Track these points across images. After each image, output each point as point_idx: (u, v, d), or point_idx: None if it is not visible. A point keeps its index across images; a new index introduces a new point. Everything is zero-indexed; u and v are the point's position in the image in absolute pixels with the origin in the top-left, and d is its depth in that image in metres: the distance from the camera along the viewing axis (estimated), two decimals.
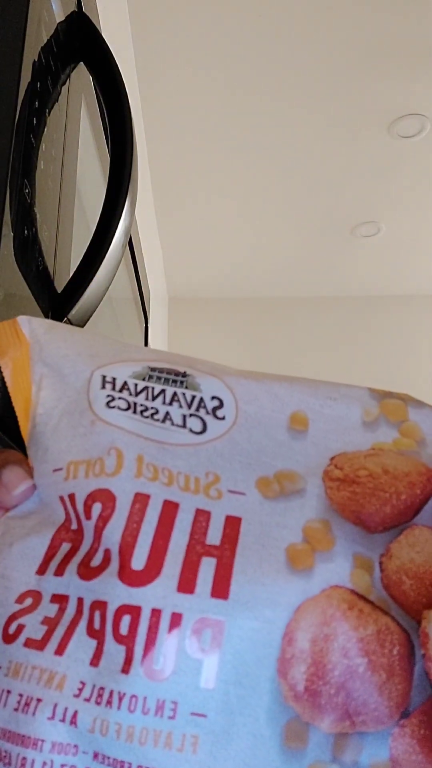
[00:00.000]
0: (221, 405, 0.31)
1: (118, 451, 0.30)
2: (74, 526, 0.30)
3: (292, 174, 2.64)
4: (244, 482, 0.29)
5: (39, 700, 0.27)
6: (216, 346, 3.58)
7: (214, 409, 0.31)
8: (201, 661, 0.26)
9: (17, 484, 0.31)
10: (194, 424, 0.31)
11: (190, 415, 0.31)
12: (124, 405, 0.31)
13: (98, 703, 0.26)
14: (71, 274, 0.46)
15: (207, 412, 0.31)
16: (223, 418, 0.31)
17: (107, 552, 0.28)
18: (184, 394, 0.31)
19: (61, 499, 0.31)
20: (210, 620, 0.26)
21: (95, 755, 0.26)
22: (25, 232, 0.37)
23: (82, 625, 0.28)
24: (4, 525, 0.31)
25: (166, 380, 0.32)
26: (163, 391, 0.32)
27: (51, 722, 0.26)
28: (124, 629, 0.26)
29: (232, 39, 1.99)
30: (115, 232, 0.46)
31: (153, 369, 0.32)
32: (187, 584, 0.27)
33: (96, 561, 0.29)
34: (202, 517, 0.28)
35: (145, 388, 0.32)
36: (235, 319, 3.64)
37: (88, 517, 0.29)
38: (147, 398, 0.31)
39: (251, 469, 0.30)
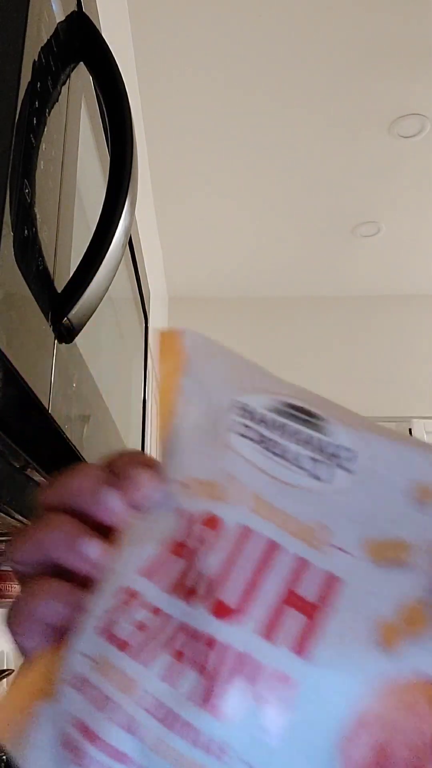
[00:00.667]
0: (350, 457, 0.31)
1: (239, 482, 0.30)
2: (184, 541, 0.30)
3: (292, 174, 2.63)
4: (354, 542, 0.29)
5: (112, 701, 0.27)
6: None
7: (343, 459, 0.31)
8: (269, 715, 0.25)
9: (148, 485, 0.31)
10: (320, 470, 0.30)
11: (319, 461, 0.31)
12: (257, 437, 0.32)
13: (164, 725, 0.26)
14: (71, 274, 0.46)
15: (335, 461, 0.30)
16: (349, 471, 0.30)
17: (204, 578, 0.28)
18: (318, 438, 0.31)
19: (179, 511, 0.31)
20: (286, 676, 0.25)
21: None
22: (25, 232, 0.37)
23: (167, 641, 0.28)
24: (125, 522, 0.32)
25: (302, 420, 0.32)
26: (297, 431, 0.32)
27: (116, 727, 0.26)
28: (203, 660, 0.26)
29: (232, 39, 1.99)
30: (115, 232, 0.46)
31: (290, 405, 0.32)
32: (270, 631, 0.26)
33: (192, 582, 0.28)
34: (302, 568, 0.28)
35: (282, 425, 0.32)
36: (235, 319, 3.64)
37: (197, 538, 0.30)
38: (282, 436, 0.31)
39: (364, 530, 0.29)
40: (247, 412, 0.33)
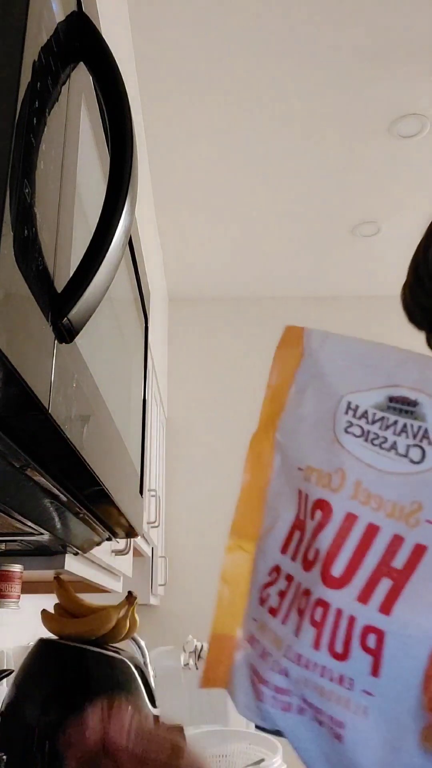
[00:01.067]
0: None
1: (343, 472, 0.37)
2: (303, 518, 0.38)
3: (292, 173, 2.64)
4: None
5: (269, 655, 0.37)
6: (216, 346, 3.58)
7: None
8: (368, 656, 0.33)
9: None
10: (415, 453, 0.36)
11: (414, 445, 0.36)
12: (358, 432, 0.38)
13: (300, 665, 0.35)
14: (71, 274, 0.46)
15: (430, 443, 0.36)
16: None
17: (317, 552, 0.36)
18: (412, 425, 0.36)
19: (299, 492, 0.39)
20: (375, 628, 0.33)
21: (302, 699, 0.36)
22: (25, 232, 0.37)
23: (295, 603, 0.37)
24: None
25: (400, 411, 0.37)
26: (395, 422, 0.37)
27: (272, 672, 0.37)
28: (317, 616, 0.35)
29: (232, 38, 1.99)
30: (115, 232, 0.46)
31: (391, 399, 0.38)
32: (365, 596, 0.34)
33: (310, 556, 0.37)
34: (395, 542, 0.34)
35: (382, 418, 0.38)
36: (235, 319, 3.64)
37: (312, 518, 0.37)
38: (381, 428, 0.37)
39: None
40: (351, 409, 0.39)
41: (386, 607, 0.33)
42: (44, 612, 1.27)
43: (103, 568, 1.28)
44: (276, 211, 2.90)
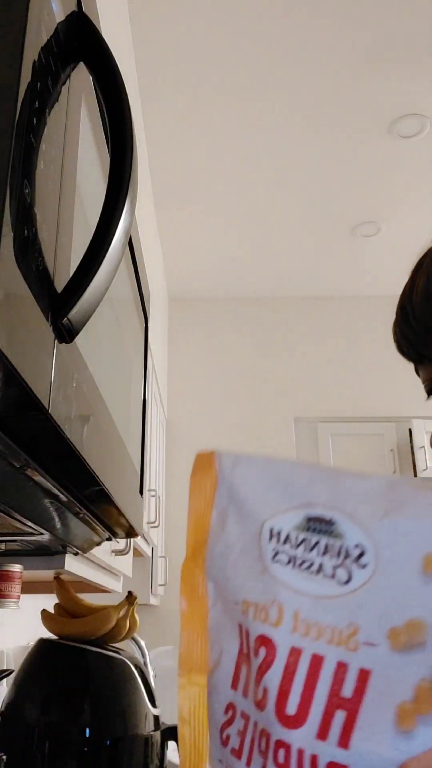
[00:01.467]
0: (363, 553, 0.35)
1: (280, 605, 0.37)
2: (246, 652, 0.38)
3: (292, 174, 2.64)
4: (377, 634, 0.34)
5: None
6: (216, 346, 3.58)
7: (358, 557, 0.35)
8: None
9: None
10: (341, 574, 0.36)
11: (338, 565, 0.36)
12: (285, 559, 0.38)
13: None
14: (71, 274, 0.46)
15: (352, 561, 0.36)
16: (365, 566, 0.35)
17: (266, 691, 0.35)
18: (333, 544, 0.36)
19: (240, 626, 0.38)
20: (338, 764, 0.33)
21: None
22: (25, 232, 0.37)
23: (255, 744, 0.36)
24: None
25: (319, 531, 0.37)
26: (317, 542, 0.37)
27: None
28: (281, 758, 0.34)
29: (232, 39, 1.99)
30: (115, 232, 0.46)
31: (310, 519, 0.38)
32: (323, 732, 0.34)
33: (260, 695, 0.36)
34: (341, 670, 0.34)
35: (304, 540, 0.38)
36: (235, 319, 3.65)
37: (256, 655, 0.37)
38: (305, 550, 0.37)
39: (385, 620, 0.34)
40: (274, 535, 0.39)
41: (344, 741, 0.32)
42: (44, 612, 1.27)
43: (103, 568, 1.28)
44: (276, 211, 2.90)
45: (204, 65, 2.09)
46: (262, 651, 0.36)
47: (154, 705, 1.21)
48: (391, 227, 3.00)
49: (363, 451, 3.30)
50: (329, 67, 2.10)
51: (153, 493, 2.44)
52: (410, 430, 3.31)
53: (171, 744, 1.23)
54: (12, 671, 1.18)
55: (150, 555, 2.51)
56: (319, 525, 0.37)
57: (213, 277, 3.48)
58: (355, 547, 0.35)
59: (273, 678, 0.35)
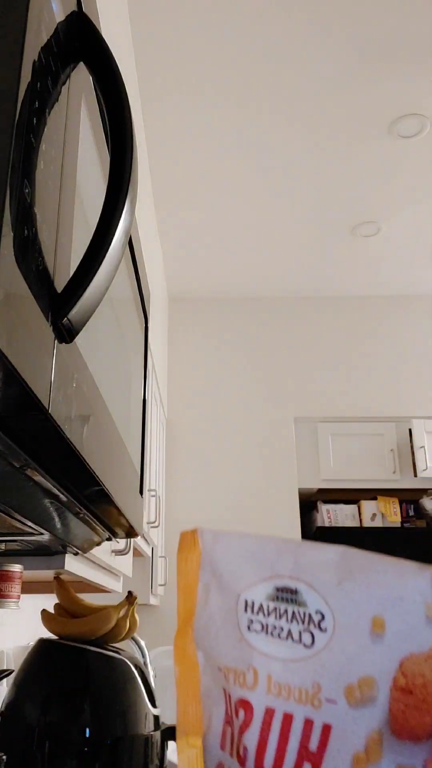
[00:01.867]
0: (323, 618, 0.40)
1: (255, 670, 0.40)
2: (230, 714, 0.41)
3: (292, 174, 2.64)
4: (336, 691, 0.38)
5: None
6: (215, 346, 3.58)
7: (319, 621, 0.40)
8: None
9: None
10: (306, 638, 0.40)
11: (304, 630, 0.40)
12: (259, 627, 0.42)
13: None
14: (71, 274, 0.46)
15: (314, 626, 0.40)
16: (325, 630, 0.39)
17: (245, 749, 0.39)
18: (298, 611, 0.41)
19: (224, 691, 0.42)
20: None
21: None
22: (25, 232, 0.37)
23: None
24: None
25: (286, 599, 0.42)
26: (285, 611, 0.41)
27: None
28: None
29: (232, 38, 1.99)
30: (115, 232, 0.46)
31: (278, 589, 0.42)
32: None
33: (241, 752, 0.40)
34: (308, 726, 0.38)
35: (275, 609, 0.42)
36: (235, 319, 3.65)
37: (237, 716, 0.41)
38: (276, 617, 0.41)
39: (342, 678, 0.38)
40: (248, 606, 0.42)
41: None
42: (44, 612, 1.27)
43: (103, 568, 1.28)
44: (276, 211, 2.90)
45: (204, 65, 2.09)
46: (242, 713, 0.40)
47: (154, 705, 1.21)
48: (391, 227, 3.00)
49: (363, 451, 3.30)
50: (329, 66, 2.10)
51: (153, 493, 2.44)
52: (410, 430, 3.31)
53: (171, 744, 1.23)
54: (12, 671, 1.18)
55: (150, 555, 2.51)
56: (285, 594, 0.41)
57: (213, 277, 3.48)
58: (316, 612, 0.39)
59: (251, 736, 0.39)
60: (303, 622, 0.40)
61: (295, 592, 0.41)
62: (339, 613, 0.39)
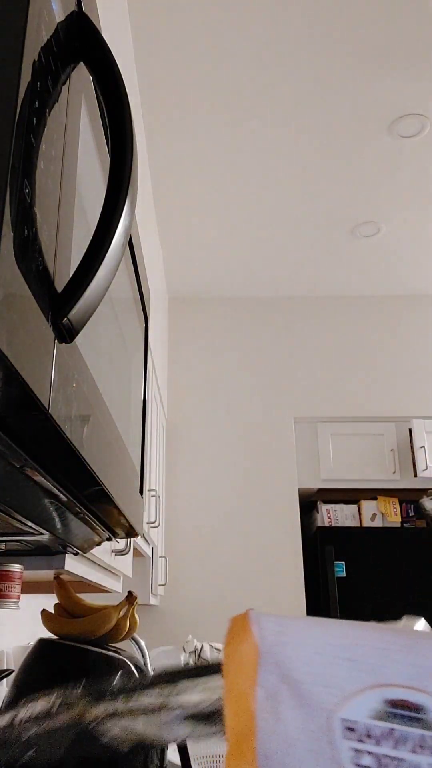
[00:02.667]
0: None
1: None
2: None
3: (292, 174, 2.64)
4: None
5: None
6: (215, 346, 3.58)
7: None
8: None
9: None
10: None
11: None
12: (369, 761, 0.30)
13: None
14: (71, 274, 0.46)
15: None
16: None
17: None
18: (426, 737, 0.30)
19: None
20: None
21: None
22: (25, 232, 0.37)
23: None
24: None
25: (405, 719, 0.30)
26: (407, 735, 0.30)
27: None
28: None
29: (232, 38, 1.99)
30: (115, 232, 0.46)
31: (390, 703, 0.31)
32: None
33: None
34: None
35: (389, 732, 0.30)
36: (235, 319, 3.65)
37: None
38: (393, 746, 0.30)
39: None
40: (348, 729, 0.31)
41: None
42: (44, 612, 1.27)
43: (103, 568, 1.28)
44: (276, 211, 2.90)
45: (204, 66, 2.09)
46: None
47: None
48: (391, 227, 3.00)
49: (363, 451, 3.30)
50: (329, 66, 2.10)
51: (153, 493, 2.44)
52: (410, 430, 3.31)
53: (171, 744, 1.23)
54: (12, 671, 1.18)
55: (150, 555, 2.51)
56: (402, 711, 0.30)
57: (213, 277, 3.48)
58: None
59: None
60: None
61: (417, 708, 0.30)
62: None
